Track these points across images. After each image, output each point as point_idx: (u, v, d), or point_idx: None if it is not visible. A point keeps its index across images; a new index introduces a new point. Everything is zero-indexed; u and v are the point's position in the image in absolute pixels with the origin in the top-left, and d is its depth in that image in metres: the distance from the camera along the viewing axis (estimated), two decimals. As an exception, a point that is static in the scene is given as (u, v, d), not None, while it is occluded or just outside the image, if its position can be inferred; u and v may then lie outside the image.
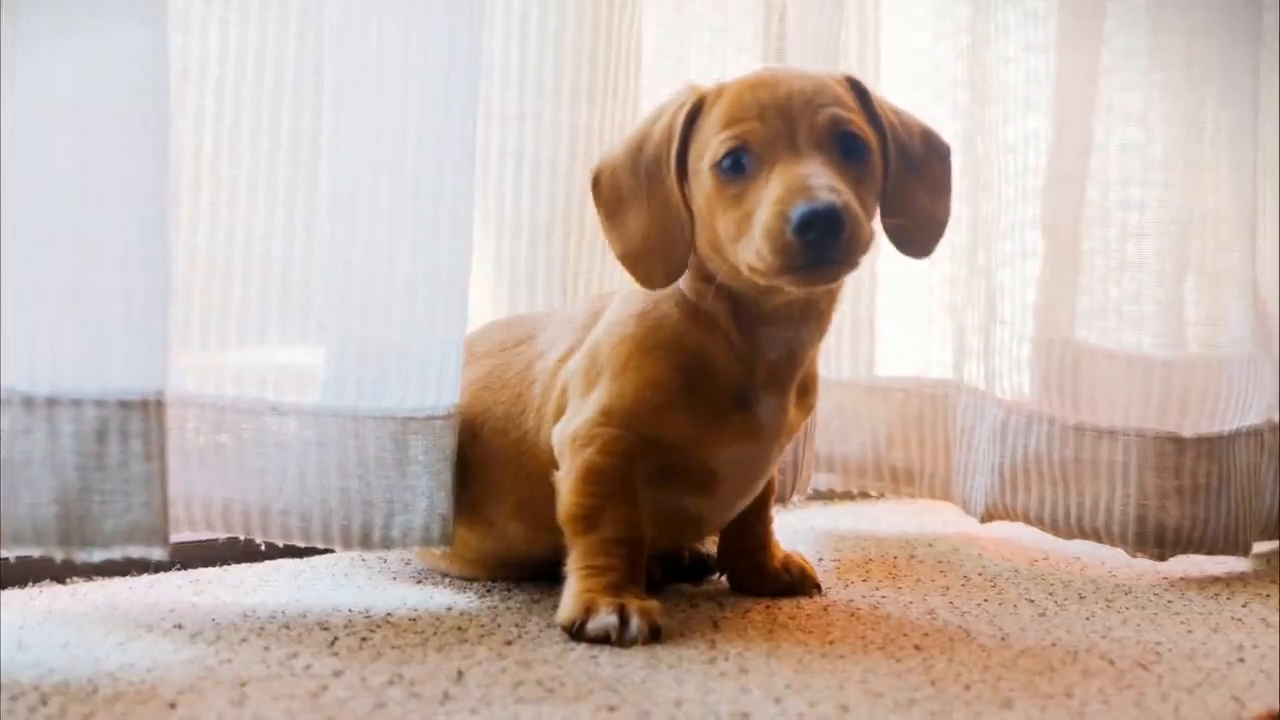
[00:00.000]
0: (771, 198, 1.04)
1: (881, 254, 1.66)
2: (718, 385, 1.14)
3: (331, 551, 1.33)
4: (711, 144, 1.09)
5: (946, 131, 1.58)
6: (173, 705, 0.90)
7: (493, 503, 1.21)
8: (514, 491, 1.20)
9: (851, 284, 1.62)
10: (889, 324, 1.69)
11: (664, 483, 1.16)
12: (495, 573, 1.29)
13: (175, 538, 1.29)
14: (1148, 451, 1.43)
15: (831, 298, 1.16)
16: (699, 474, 1.16)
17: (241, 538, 1.20)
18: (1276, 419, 1.53)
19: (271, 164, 1.20)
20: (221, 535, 1.20)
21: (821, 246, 1.02)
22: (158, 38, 1.03)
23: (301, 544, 1.19)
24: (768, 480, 1.26)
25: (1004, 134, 1.52)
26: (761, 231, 1.04)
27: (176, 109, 1.19)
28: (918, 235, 1.16)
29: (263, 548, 1.26)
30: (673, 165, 1.12)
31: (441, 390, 1.19)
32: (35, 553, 1.01)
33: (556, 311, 1.32)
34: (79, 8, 1.00)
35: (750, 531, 1.27)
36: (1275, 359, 1.58)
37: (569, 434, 1.14)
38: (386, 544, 1.19)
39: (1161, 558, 1.44)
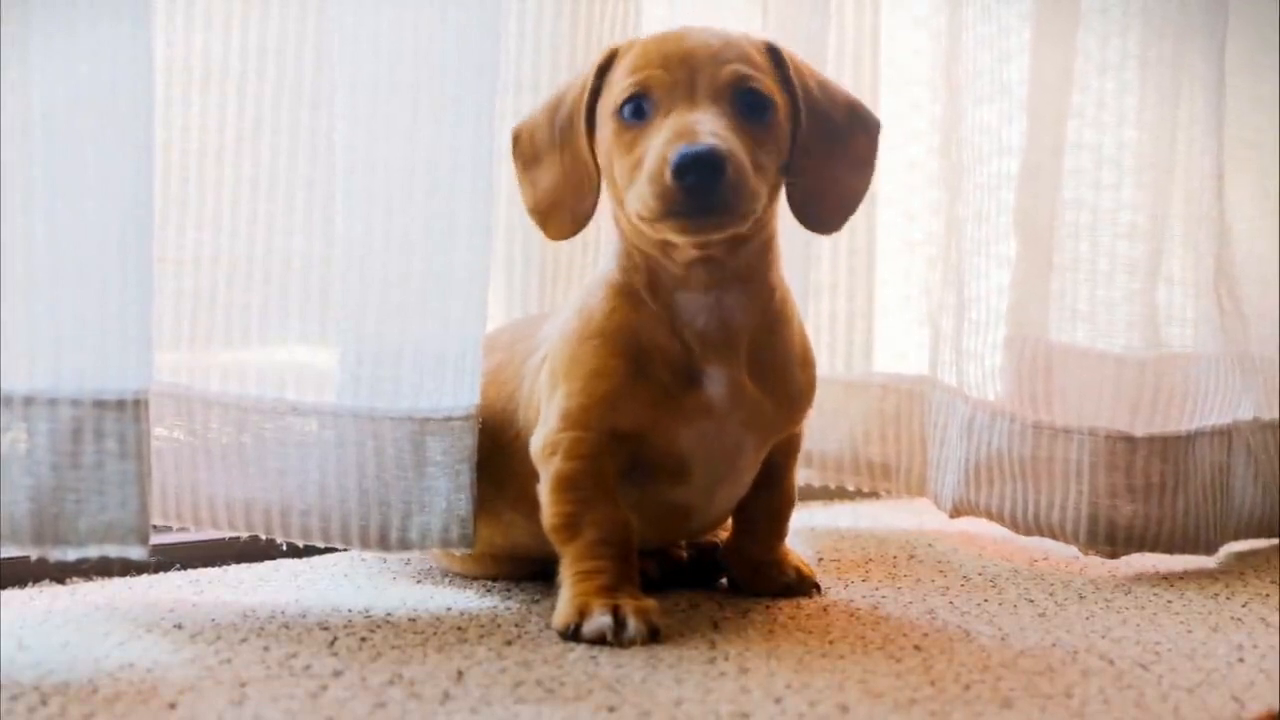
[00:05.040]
0: (658, 142, 1.06)
1: (879, 251, 1.67)
2: (658, 363, 1.14)
3: (334, 551, 1.33)
4: (614, 91, 1.11)
5: (943, 128, 1.60)
6: (173, 705, 0.90)
7: (497, 495, 1.22)
8: (512, 485, 1.20)
9: (837, 278, 1.64)
10: (871, 322, 1.68)
11: (639, 476, 1.16)
12: (505, 569, 1.29)
13: (180, 538, 1.30)
14: (1100, 450, 1.43)
15: (749, 261, 1.14)
16: (668, 460, 1.15)
17: (244, 536, 1.21)
18: (1265, 418, 1.54)
19: (291, 162, 1.21)
20: (244, 534, 1.21)
21: (699, 192, 1.03)
22: (142, 37, 1.03)
23: (321, 544, 1.20)
24: (783, 487, 1.26)
25: (981, 136, 1.51)
26: (645, 175, 1.05)
27: (197, 110, 1.19)
28: (823, 207, 1.17)
29: (263, 543, 1.26)
30: (583, 118, 1.14)
31: (459, 390, 1.19)
32: (9, 550, 1.02)
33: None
34: (59, 6, 1.00)
35: (762, 533, 1.27)
36: (1275, 359, 1.58)
37: (539, 444, 1.15)
38: (404, 545, 1.19)
39: (1113, 555, 1.44)
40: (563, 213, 1.16)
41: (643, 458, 1.15)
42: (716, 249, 1.11)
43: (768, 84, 1.11)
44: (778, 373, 1.18)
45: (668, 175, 1.03)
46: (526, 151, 1.18)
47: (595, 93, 1.14)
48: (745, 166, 1.05)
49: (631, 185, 1.08)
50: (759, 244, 1.15)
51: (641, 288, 1.15)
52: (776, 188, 1.14)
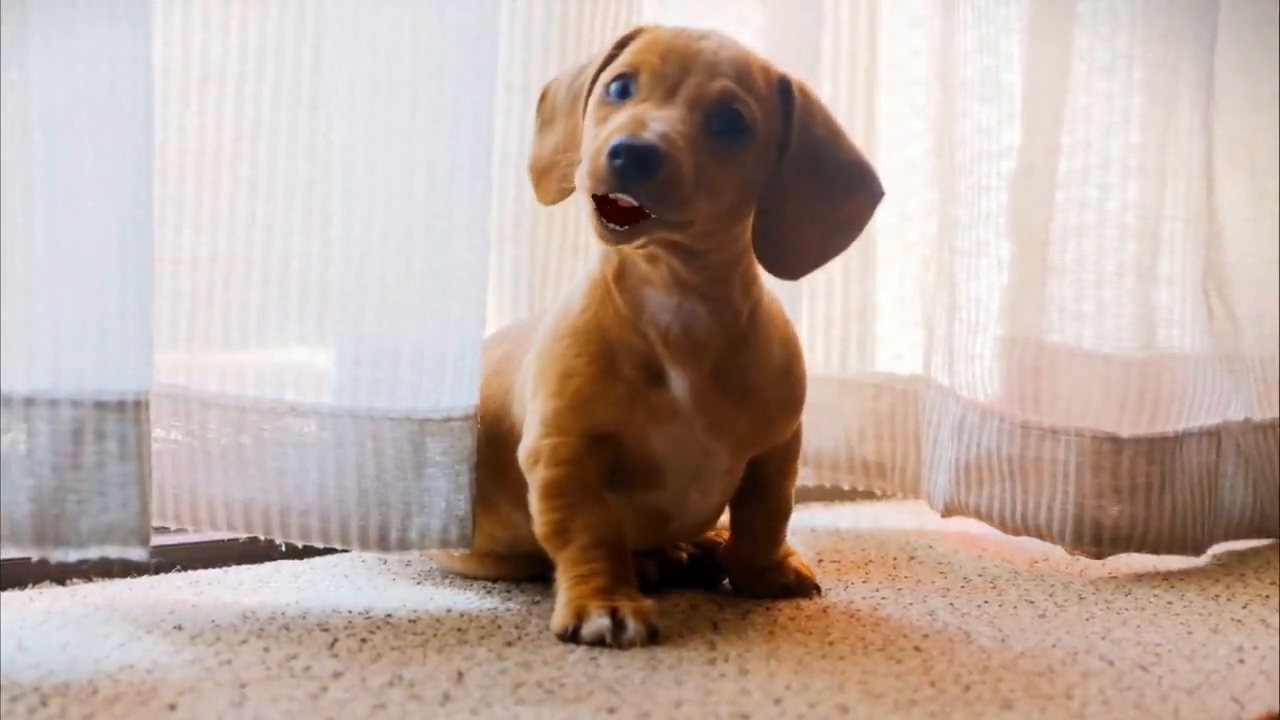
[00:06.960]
0: (612, 124, 1.06)
1: (878, 253, 1.67)
2: (625, 360, 1.14)
3: (334, 552, 1.33)
4: (613, 67, 1.11)
5: (937, 129, 1.60)
6: (173, 706, 0.90)
7: (496, 486, 1.22)
8: (508, 477, 1.20)
9: (834, 280, 1.64)
10: (867, 321, 1.68)
11: (616, 479, 1.16)
12: (506, 569, 1.29)
13: (180, 539, 1.30)
14: (1086, 450, 1.43)
15: (709, 277, 1.13)
16: (641, 462, 1.15)
17: (243, 537, 1.21)
18: (1257, 419, 1.54)
19: (289, 162, 1.20)
20: (243, 535, 1.21)
21: (625, 178, 1.02)
22: (141, 37, 1.03)
23: (321, 545, 1.20)
24: (778, 497, 1.25)
25: (977, 137, 1.51)
26: (589, 152, 1.05)
27: (195, 110, 1.19)
28: (785, 251, 1.14)
29: (263, 544, 1.26)
30: (587, 88, 1.14)
31: (458, 391, 1.19)
32: (10, 551, 1.02)
33: None
34: (59, 6, 1.00)
35: (760, 539, 1.26)
36: (1270, 360, 1.58)
37: (524, 453, 1.16)
38: (404, 545, 1.19)
39: (1099, 556, 1.45)
40: (552, 177, 1.16)
41: (620, 461, 1.15)
42: (657, 248, 1.10)
43: (753, 110, 1.09)
44: (749, 387, 1.16)
45: (603, 155, 1.03)
46: (547, 110, 1.19)
47: (606, 66, 1.14)
48: (682, 174, 1.03)
49: (586, 158, 1.07)
50: (717, 262, 1.13)
51: (612, 280, 1.14)
52: (736, 214, 1.12)
